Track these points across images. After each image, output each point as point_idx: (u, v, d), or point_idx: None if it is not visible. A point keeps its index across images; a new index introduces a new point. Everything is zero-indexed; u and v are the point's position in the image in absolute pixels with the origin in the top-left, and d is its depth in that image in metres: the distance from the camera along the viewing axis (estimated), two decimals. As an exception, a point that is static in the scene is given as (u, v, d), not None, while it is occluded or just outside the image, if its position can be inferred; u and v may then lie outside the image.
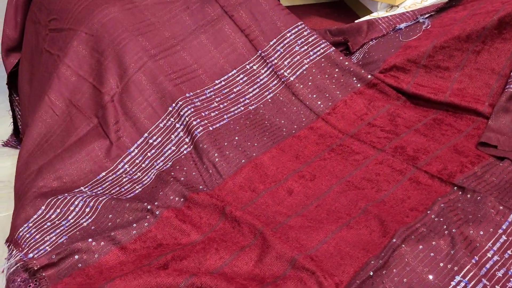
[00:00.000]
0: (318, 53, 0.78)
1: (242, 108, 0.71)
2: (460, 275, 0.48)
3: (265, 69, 0.75)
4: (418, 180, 0.62)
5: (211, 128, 0.67)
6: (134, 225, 0.55)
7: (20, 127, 1.00)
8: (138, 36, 0.71)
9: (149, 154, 0.66)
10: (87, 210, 0.57)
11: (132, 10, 0.73)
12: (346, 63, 0.77)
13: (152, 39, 0.71)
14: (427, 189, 0.61)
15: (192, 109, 0.68)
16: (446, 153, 0.68)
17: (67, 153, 0.65)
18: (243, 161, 0.65)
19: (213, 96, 0.71)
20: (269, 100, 0.73)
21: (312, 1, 1.13)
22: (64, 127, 0.69)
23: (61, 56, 0.72)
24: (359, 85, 0.76)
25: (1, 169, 1.01)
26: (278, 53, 0.76)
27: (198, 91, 0.71)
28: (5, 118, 1.12)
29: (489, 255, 0.50)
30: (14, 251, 0.55)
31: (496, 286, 0.48)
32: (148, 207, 0.57)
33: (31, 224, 0.56)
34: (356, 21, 0.96)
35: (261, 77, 0.75)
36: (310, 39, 0.78)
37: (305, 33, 0.78)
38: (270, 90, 0.74)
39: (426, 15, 0.89)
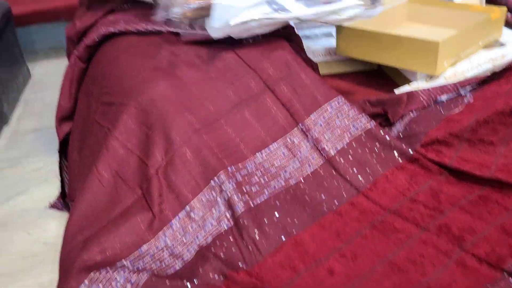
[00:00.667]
0: (359, 127, 0.79)
1: (283, 183, 0.72)
2: None
3: (306, 142, 0.76)
4: (465, 264, 0.60)
5: (251, 204, 0.68)
6: (174, 304, 0.55)
7: (66, 191, 1.04)
8: (184, 111, 0.74)
9: (190, 228, 0.67)
10: (128, 286, 0.58)
11: (180, 87, 0.77)
12: (387, 137, 0.77)
13: (197, 114, 0.74)
14: (474, 274, 0.59)
15: (234, 184, 0.69)
16: (494, 233, 0.65)
17: (112, 226, 0.66)
18: (283, 238, 0.65)
19: (254, 170, 0.72)
20: (310, 175, 0.73)
21: (350, 69, 1.15)
22: (110, 198, 0.71)
23: (111, 128, 0.76)
24: (400, 160, 0.76)
25: (47, 231, 1.05)
26: (319, 126, 0.77)
27: (240, 165, 0.72)
28: (52, 180, 1.17)
29: None
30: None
31: None
32: (188, 286, 0.57)
33: (74, 298, 0.58)
34: (395, 92, 0.97)
35: (301, 151, 0.76)
36: (350, 113, 0.79)
37: (345, 106, 0.79)
38: (311, 164, 0.75)
39: (468, 88, 0.89)
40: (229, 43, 0.87)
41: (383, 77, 1.12)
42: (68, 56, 1.00)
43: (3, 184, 1.22)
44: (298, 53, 0.90)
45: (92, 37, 0.89)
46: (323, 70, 1.14)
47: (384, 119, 0.89)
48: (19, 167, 1.29)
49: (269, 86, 0.79)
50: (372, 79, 1.12)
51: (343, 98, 0.80)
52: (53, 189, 1.12)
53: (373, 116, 0.87)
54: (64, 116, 0.96)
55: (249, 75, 0.80)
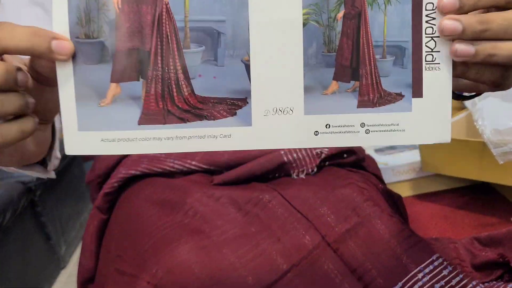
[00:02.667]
0: (472, 300, 0.52)
1: None
2: None
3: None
4: None
5: None
6: None
7: None
8: (212, 286, 0.53)
9: None
10: None
11: (208, 248, 0.57)
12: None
13: (229, 290, 0.53)
14: None
15: None
16: None
17: None
18: None
19: None
20: None
21: (445, 187, 0.89)
22: None
23: (120, 312, 0.56)
24: None
25: None
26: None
27: None
28: None
29: None
30: None
31: None
32: None
33: None
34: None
35: None
36: (453, 281, 0.52)
37: (445, 271, 0.53)
38: None
39: None
40: (271, 180, 0.68)
41: (492, 194, 0.85)
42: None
43: None
44: (371, 186, 0.67)
45: (111, 182, 0.73)
46: (408, 192, 0.89)
47: (506, 269, 0.61)
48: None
49: (330, 243, 0.56)
50: (477, 198, 0.85)
51: (441, 259, 0.54)
52: None
53: (489, 265, 0.60)
54: (86, 278, 0.78)
55: (301, 226, 0.58)
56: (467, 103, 0.88)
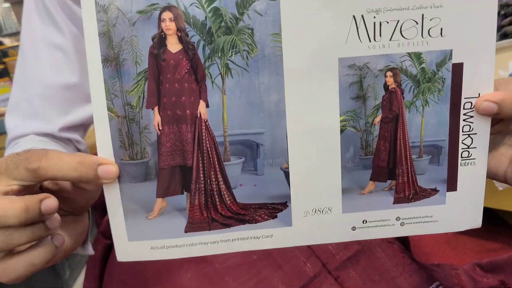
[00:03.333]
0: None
1: None
2: None
3: None
4: None
5: None
6: None
7: None
8: None
9: None
10: None
11: (210, 276, 0.60)
12: None
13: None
14: None
15: None
16: None
17: None
18: None
19: None
20: None
21: None
22: None
23: None
24: None
25: None
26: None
27: None
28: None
29: None
30: None
31: None
32: None
33: None
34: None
35: None
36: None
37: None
38: None
39: None
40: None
41: (494, 219, 0.86)
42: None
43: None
44: None
45: None
46: None
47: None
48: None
49: (331, 271, 0.60)
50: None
51: (441, 287, 0.58)
52: None
53: None
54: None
55: (302, 254, 0.61)
56: None
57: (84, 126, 0.70)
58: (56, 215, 0.37)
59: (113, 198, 0.39)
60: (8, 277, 0.36)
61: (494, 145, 0.45)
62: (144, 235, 0.40)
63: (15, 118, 0.66)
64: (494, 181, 0.73)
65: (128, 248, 0.41)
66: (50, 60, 0.64)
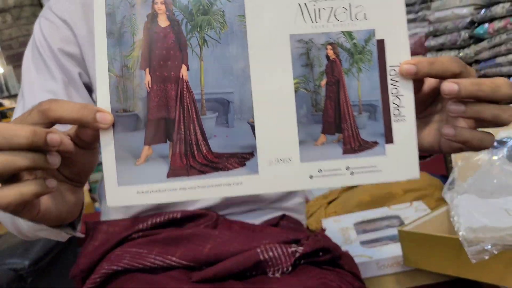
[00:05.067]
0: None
1: None
2: None
3: None
4: None
5: None
6: None
7: None
8: None
9: None
10: None
11: None
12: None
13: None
14: None
15: None
16: None
17: None
18: None
19: None
20: None
21: (430, 281, 0.92)
22: None
23: None
24: None
25: None
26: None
27: None
28: None
29: None
30: None
31: None
32: None
33: None
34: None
35: None
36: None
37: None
38: None
39: None
40: (248, 279, 0.72)
41: None
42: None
43: None
44: (347, 285, 0.72)
45: (94, 278, 0.74)
46: (392, 286, 0.95)
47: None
48: None
49: None
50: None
51: None
52: None
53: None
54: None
55: None
56: (447, 198, 0.89)
57: None
58: (57, 154, 0.44)
59: (107, 145, 0.47)
60: (3, 203, 0.41)
61: (427, 124, 0.55)
62: (131, 180, 0.47)
63: None
64: (468, 253, 0.74)
65: (117, 193, 0.47)
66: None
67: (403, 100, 0.50)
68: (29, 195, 0.42)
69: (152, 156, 0.48)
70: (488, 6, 1.37)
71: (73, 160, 0.48)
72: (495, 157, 0.91)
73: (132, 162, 0.47)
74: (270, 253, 0.72)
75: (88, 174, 0.52)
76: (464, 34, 1.46)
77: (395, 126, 0.50)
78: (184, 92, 0.48)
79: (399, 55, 0.50)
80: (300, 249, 0.73)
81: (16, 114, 0.77)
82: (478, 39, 1.42)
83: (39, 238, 0.70)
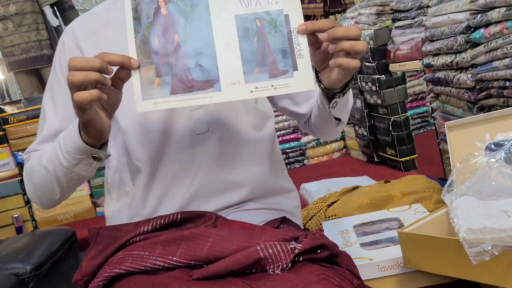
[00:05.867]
0: None
1: None
2: None
3: None
4: None
5: None
6: None
7: None
8: None
9: None
10: None
11: None
12: None
13: None
14: None
15: None
16: None
17: None
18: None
19: None
20: None
21: (430, 282, 0.92)
22: None
23: None
24: None
25: None
26: None
27: None
28: None
29: None
30: None
31: None
32: None
33: None
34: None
35: None
36: None
37: None
38: None
39: None
40: (248, 275, 0.75)
41: None
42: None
43: None
44: (346, 282, 0.75)
45: (96, 281, 0.80)
46: (394, 287, 0.95)
47: None
48: None
49: None
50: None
51: None
52: None
53: None
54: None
55: None
56: (446, 200, 0.91)
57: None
58: (109, 79, 0.82)
59: (136, 77, 0.84)
60: (80, 98, 0.77)
61: (326, 72, 0.93)
62: (150, 96, 0.84)
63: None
64: (468, 254, 0.75)
65: (142, 104, 0.84)
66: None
67: (301, 46, 0.88)
68: (94, 96, 0.78)
69: (160, 83, 0.85)
70: (484, 11, 1.32)
71: (109, 95, 0.85)
72: (493, 160, 0.92)
73: (150, 86, 0.84)
74: (270, 250, 0.74)
75: (115, 108, 0.88)
76: (461, 39, 1.42)
77: (298, 61, 0.88)
78: (177, 48, 0.86)
79: (296, 22, 0.89)
80: (299, 246, 0.75)
81: (48, 105, 1.05)
82: (474, 44, 1.38)
83: (72, 185, 0.94)
